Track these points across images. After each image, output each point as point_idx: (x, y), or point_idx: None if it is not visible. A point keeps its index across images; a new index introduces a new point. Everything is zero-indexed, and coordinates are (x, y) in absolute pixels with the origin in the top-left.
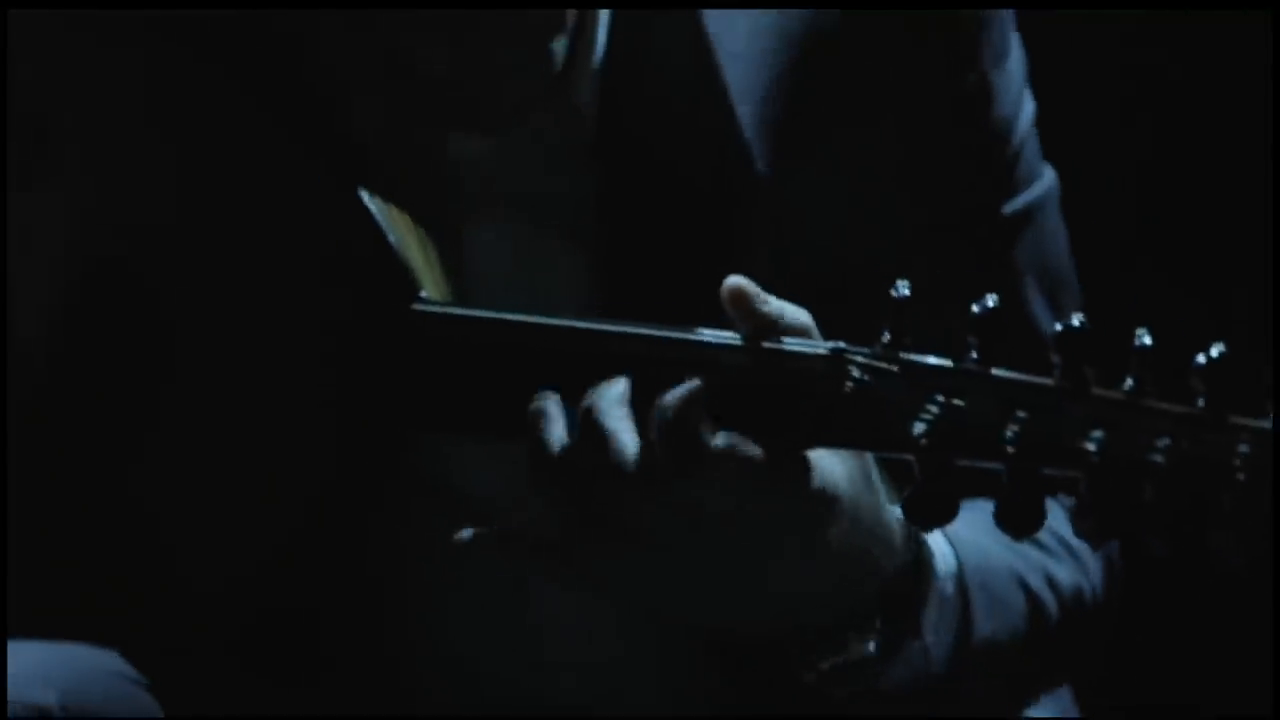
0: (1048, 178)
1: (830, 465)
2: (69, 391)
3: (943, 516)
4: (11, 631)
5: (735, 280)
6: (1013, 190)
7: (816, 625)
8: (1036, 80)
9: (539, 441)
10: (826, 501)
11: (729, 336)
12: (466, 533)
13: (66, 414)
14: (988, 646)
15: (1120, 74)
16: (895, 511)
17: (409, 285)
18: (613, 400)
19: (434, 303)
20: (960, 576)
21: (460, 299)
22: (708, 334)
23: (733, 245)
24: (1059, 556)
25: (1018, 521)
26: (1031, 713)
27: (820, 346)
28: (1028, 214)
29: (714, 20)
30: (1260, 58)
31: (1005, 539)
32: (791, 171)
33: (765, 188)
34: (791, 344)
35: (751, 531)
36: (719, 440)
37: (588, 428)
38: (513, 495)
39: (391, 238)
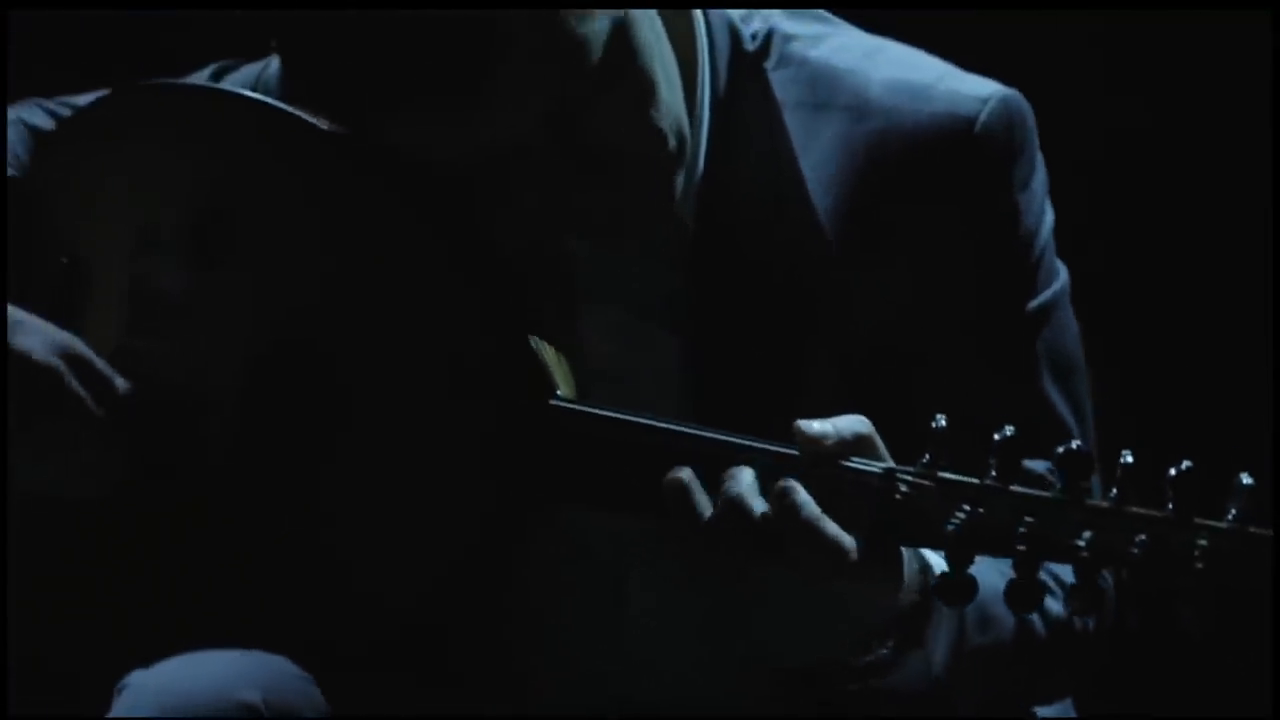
0: (1062, 276)
1: None
2: (259, 439)
3: (965, 598)
4: (212, 642)
5: (800, 426)
6: (1034, 292)
7: (852, 638)
8: (1038, 82)
9: (687, 506)
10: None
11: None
12: None
13: (256, 460)
14: (978, 656)
15: (1120, 74)
16: (913, 563)
17: (547, 385)
18: (751, 487)
19: (566, 400)
20: None
21: (580, 387)
22: (792, 448)
23: (804, 336)
24: (1052, 591)
25: (1021, 601)
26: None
27: (877, 466)
28: (1046, 311)
29: (795, 143)
30: (1261, 58)
31: (1004, 571)
32: (855, 268)
33: (833, 285)
34: (857, 462)
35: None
36: (835, 531)
37: (732, 508)
38: (614, 540)
39: (532, 344)
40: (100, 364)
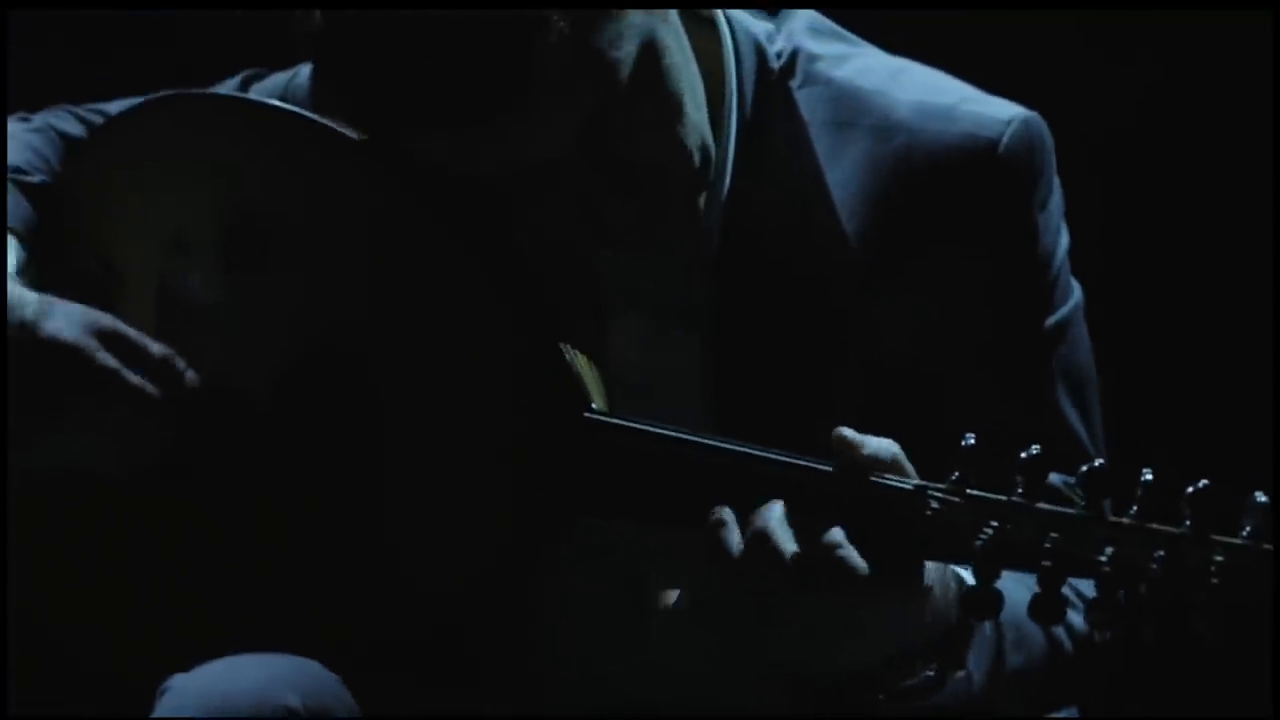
0: (1076, 294)
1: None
2: (291, 446)
3: (992, 612)
4: (244, 645)
5: (840, 431)
6: (1051, 309)
7: (895, 660)
8: (1037, 85)
9: (721, 544)
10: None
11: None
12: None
13: (289, 462)
14: (1014, 674)
15: (1120, 74)
16: (950, 583)
17: (582, 397)
18: (780, 521)
19: (601, 413)
20: (998, 622)
21: (608, 390)
22: (823, 463)
23: (827, 349)
24: (1076, 606)
25: (1045, 614)
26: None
27: (908, 482)
28: (1061, 328)
29: (820, 160)
30: (1261, 57)
31: (1033, 588)
32: (879, 283)
33: (856, 299)
34: (889, 479)
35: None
36: (858, 561)
37: (760, 543)
38: (636, 539)
39: (566, 356)
40: (133, 334)
